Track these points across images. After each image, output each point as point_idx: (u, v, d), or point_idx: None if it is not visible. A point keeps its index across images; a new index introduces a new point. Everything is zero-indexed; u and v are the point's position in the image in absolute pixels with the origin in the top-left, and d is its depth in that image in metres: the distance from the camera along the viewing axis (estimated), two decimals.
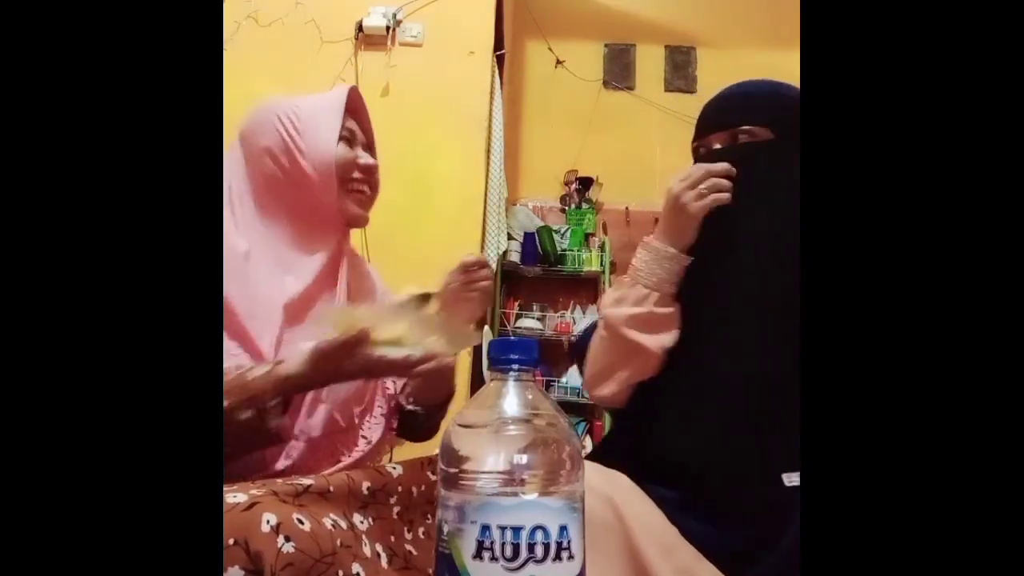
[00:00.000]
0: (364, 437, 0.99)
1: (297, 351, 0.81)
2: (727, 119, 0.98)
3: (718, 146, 0.98)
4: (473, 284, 0.91)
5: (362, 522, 0.71)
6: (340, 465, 0.95)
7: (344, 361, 0.78)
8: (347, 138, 0.96)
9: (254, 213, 0.96)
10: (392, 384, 1.05)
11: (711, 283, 0.95)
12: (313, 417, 0.94)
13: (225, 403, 0.76)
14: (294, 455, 0.90)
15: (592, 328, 1.05)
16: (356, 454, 0.98)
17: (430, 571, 0.73)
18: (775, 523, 0.83)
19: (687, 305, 0.96)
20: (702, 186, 0.93)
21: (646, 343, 0.94)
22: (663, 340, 0.94)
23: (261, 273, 0.91)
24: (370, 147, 1.01)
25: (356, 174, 0.96)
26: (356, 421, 0.99)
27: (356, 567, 0.64)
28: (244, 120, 0.99)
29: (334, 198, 0.95)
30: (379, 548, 0.71)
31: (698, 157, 1.01)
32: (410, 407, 1.02)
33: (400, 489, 0.78)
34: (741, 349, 0.92)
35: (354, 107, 0.99)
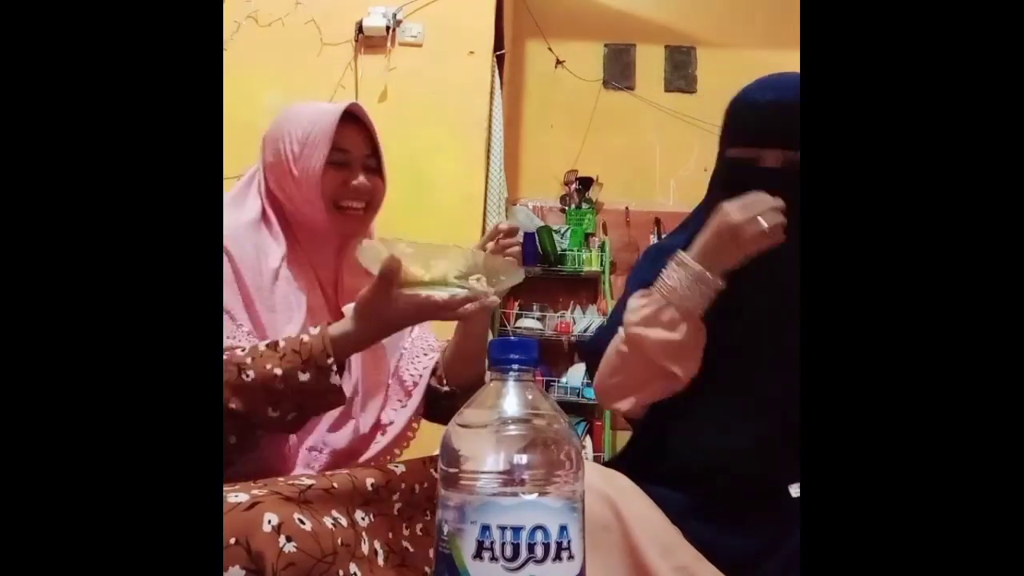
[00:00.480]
0: (382, 430, 1.00)
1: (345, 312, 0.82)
2: (784, 137, 0.86)
3: (774, 165, 0.88)
4: (504, 251, 0.91)
5: (363, 518, 0.71)
6: (358, 461, 0.96)
7: (385, 307, 0.78)
8: (338, 162, 0.96)
9: (266, 219, 0.97)
10: (410, 375, 1.04)
11: (742, 308, 0.91)
12: (341, 431, 0.95)
13: (283, 368, 0.77)
14: (316, 467, 0.91)
15: (606, 331, 1.00)
16: (375, 448, 0.98)
17: (426, 569, 0.73)
18: (781, 530, 0.84)
19: (713, 328, 0.92)
20: (764, 222, 0.84)
21: (678, 372, 0.91)
22: (693, 368, 0.92)
23: (282, 292, 0.92)
24: (374, 156, 1.00)
25: (346, 197, 0.97)
26: (373, 419, 1.00)
27: (353, 567, 0.65)
28: (269, 126, 1.01)
29: (323, 219, 0.95)
30: (377, 545, 0.71)
31: (742, 167, 0.90)
32: (445, 388, 1.02)
33: (404, 486, 0.78)
34: (763, 372, 0.90)
35: (350, 121, 0.98)
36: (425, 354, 1.06)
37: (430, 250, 0.80)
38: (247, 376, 0.76)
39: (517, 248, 0.92)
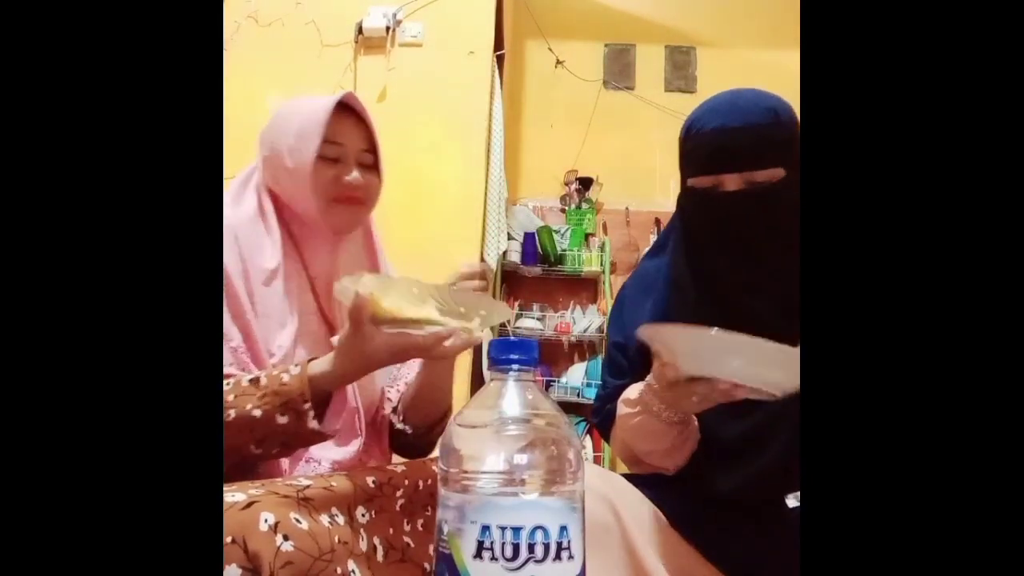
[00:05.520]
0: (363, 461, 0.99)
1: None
2: (742, 161, 0.88)
3: (732, 188, 0.88)
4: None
5: (363, 516, 0.71)
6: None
7: (362, 345, 0.75)
8: (329, 157, 0.93)
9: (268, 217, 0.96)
10: (386, 404, 1.03)
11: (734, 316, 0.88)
12: (346, 447, 0.95)
13: (262, 410, 0.77)
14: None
15: (612, 401, 0.97)
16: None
17: (426, 565, 0.73)
18: (782, 533, 0.84)
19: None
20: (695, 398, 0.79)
21: (669, 466, 0.92)
22: (680, 462, 0.92)
23: (277, 294, 0.91)
24: (371, 151, 0.98)
25: (339, 193, 0.94)
26: (372, 438, 1.00)
27: (351, 564, 0.64)
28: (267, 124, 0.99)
29: (316, 214, 0.93)
30: (376, 541, 0.71)
31: (704, 195, 0.91)
32: (399, 426, 1.00)
33: (407, 482, 0.78)
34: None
35: (346, 115, 0.95)
36: (392, 385, 1.05)
37: (393, 283, 0.78)
38: (228, 415, 0.76)
39: (484, 285, 0.88)
